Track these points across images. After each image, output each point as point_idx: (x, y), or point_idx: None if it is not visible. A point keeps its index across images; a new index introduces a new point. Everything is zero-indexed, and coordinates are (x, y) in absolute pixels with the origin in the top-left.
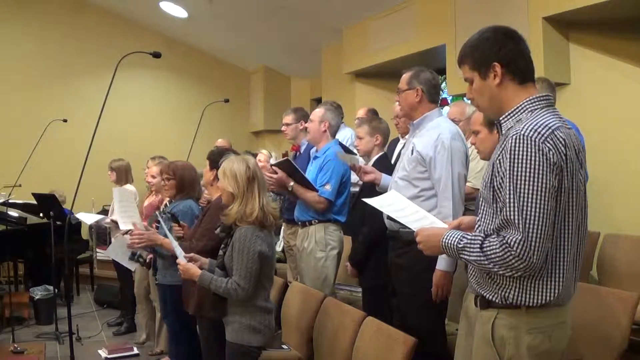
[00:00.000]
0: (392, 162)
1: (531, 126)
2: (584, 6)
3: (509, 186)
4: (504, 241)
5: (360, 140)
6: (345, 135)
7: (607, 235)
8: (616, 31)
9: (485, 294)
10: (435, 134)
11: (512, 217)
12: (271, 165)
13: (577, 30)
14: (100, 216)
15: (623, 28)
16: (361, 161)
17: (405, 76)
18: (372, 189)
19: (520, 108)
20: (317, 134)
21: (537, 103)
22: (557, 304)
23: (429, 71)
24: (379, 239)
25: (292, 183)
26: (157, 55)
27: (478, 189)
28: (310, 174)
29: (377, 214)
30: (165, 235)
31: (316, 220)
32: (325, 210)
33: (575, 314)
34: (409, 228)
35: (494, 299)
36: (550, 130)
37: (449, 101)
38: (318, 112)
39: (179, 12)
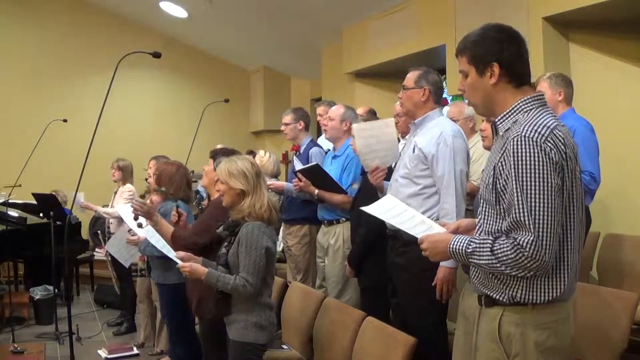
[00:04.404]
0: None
1: (530, 126)
2: (584, 6)
3: (516, 188)
4: (516, 242)
5: (353, 139)
6: None
7: (607, 235)
8: (616, 31)
9: (490, 294)
10: (437, 131)
11: (521, 218)
12: (297, 171)
13: (577, 30)
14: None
15: (623, 28)
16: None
17: (413, 74)
18: (371, 190)
19: (515, 109)
20: (339, 133)
21: (531, 103)
22: (562, 299)
23: (436, 73)
24: (376, 239)
25: (316, 191)
26: (157, 55)
27: None
28: (332, 173)
29: None
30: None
31: (343, 219)
32: None
33: (575, 314)
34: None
35: (500, 298)
36: (549, 129)
37: (449, 101)
38: (338, 112)
39: (179, 12)
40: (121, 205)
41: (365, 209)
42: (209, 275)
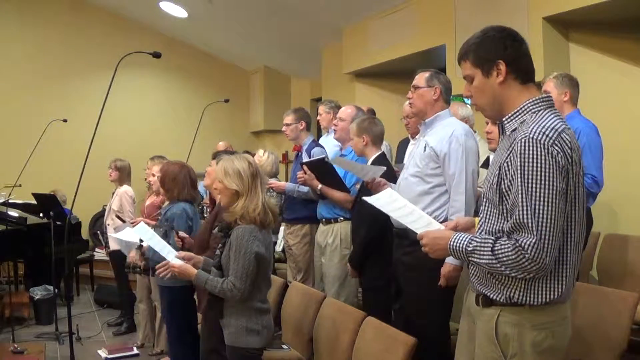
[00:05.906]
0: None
1: (538, 129)
2: (584, 6)
3: (521, 189)
4: (517, 244)
5: (350, 141)
6: None
7: (607, 235)
8: (616, 31)
9: (488, 293)
10: (449, 130)
11: (524, 220)
12: (303, 163)
13: (577, 30)
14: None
15: (623, 28)
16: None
17: (424, 75)
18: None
19: (523, 109)
20: (348, 134)
21: (540, 104)
22: (560, 301)
23: (444, 74)
24: (378, 239)
25: (320, 186)
26: (157, 55)
27: None
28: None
29: (375, 214)
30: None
31: (342, 218)
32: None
33: (575, 314)
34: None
35: (497, 298)
36: (557, 132)
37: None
38: (350, 113)
39: (179, 12)
40: (119, 233)
41: (367, 199)
42: (198, 277)
